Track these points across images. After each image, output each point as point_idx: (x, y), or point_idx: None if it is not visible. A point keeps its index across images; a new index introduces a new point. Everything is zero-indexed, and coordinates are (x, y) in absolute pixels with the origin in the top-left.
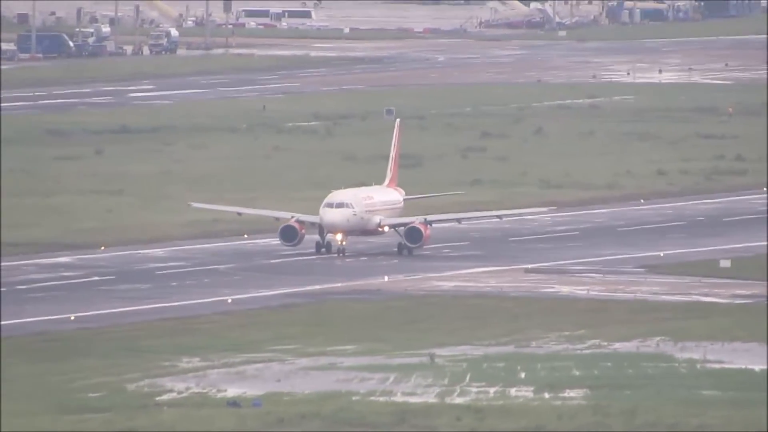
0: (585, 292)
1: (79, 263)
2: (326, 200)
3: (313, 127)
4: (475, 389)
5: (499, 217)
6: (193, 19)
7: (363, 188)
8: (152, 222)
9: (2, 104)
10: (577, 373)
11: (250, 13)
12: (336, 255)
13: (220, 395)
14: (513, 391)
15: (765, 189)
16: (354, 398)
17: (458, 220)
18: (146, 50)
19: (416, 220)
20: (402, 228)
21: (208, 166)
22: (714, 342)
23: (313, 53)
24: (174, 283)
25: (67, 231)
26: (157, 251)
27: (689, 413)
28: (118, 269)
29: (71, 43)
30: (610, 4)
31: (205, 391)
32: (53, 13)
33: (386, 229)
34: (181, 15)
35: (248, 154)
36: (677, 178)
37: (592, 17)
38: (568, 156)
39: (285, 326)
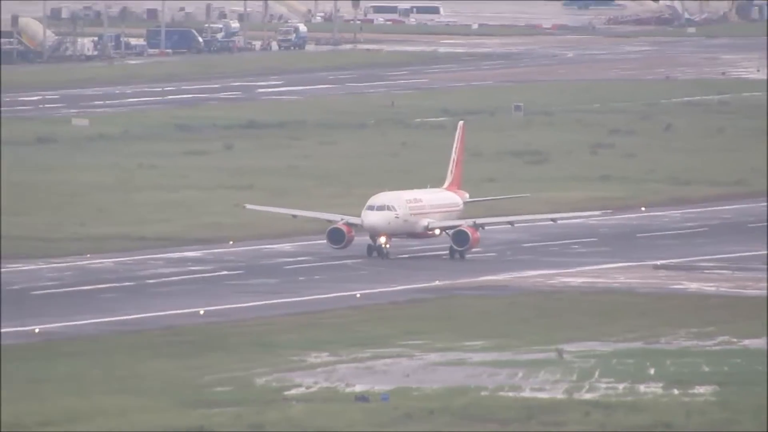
0: (714, 288)
1: (207, 257)
2: (368, 202)
3: (441, 123)
4: (603, 385)
5: (553, 220)
6: (322, 14)
7: (411, 191)
8: (280, 217)
9: (132, 99)
10: (707, 369)
11: (378, 9)
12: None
13: (348, 390)
14: (642, 387)
15: None
16: (483, 393)
17: (510, 223)
18: (275, 45)
19: (464, 223)
20: (451, 231)
21: (336, 161)
22: None
23: (441, 49)
24: (302, 278)
25: (196, 225)
26: (286, 246)
27: None
28: (247, 264)
29: (200, 39)
30: (739, 0)
31: (333, 385)
32: (182, 9)
33: (437, 232)
34: (309, 11)
35: (376, 150)
36: None
37: (722, 13)
38: (697, 152)
39: (413, 321)
